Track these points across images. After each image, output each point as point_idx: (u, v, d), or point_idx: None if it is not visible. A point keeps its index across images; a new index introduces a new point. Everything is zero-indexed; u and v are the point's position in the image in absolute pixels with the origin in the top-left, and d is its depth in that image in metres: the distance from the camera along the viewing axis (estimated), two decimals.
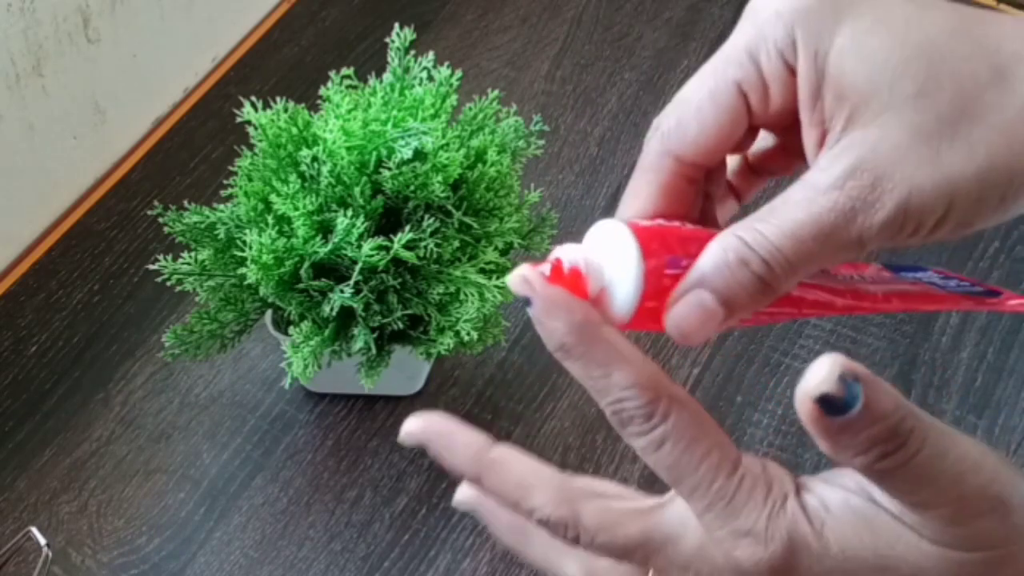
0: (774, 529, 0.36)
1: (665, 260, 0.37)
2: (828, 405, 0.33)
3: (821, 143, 0.37)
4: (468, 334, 0.70)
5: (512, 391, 0.82)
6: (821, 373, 0.33)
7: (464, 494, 0.42)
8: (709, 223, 0.42)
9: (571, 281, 0.37)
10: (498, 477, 0.39)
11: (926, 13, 0.37)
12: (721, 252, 0.36)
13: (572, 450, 0.79)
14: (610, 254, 0.37)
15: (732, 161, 0.44)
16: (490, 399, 0.81)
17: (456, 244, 0.71)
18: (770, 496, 0.36)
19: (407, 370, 0.80)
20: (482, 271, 0.72)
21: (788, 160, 0.42)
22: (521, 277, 0.36)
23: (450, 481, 0.77)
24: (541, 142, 0.77)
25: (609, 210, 0.92)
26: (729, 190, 0.44)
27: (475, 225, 0.71)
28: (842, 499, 0.37)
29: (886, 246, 0.37)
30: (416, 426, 0.39)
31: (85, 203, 0.95)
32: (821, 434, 0.33)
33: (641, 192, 0.40)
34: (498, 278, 0.71)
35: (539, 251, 0.77)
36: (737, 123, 0.39)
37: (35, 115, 0.90)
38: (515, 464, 0.39)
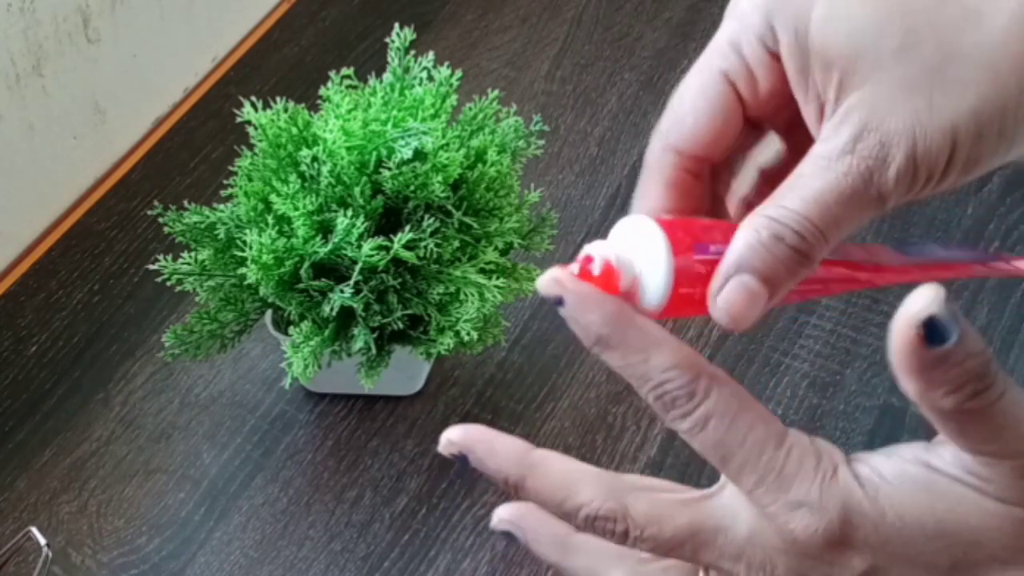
0: (827, 498, 0.36)
1: (693, 247, 0.38)
2: (932, 331, 0.33)
3: (821, 117, 0.38)
4: (468, 334, 0.70)
5: (512, 391, 0.82)
6: (927, 297, 0.33)
7: (503, 514, 0.42)
8: (723, 215, 0.43)
9: (602, 278, 0.38)
10: (543, 477, 0.39)
11: None
12: (753, 232, 0.37)
13: (572, 450, 0.79)
14: (638, 247, 0.38)
15: (749, 176, 0.44)
16: (490, 399, 0.81)
17: (456, 244, 0.71)
18: (820, 466, 0.36)
19: (407, 370, 0.80)
20: (482, 271, 0.72)
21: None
22: (551, 279, 0.37)
23: (450, 481, 0.77)
24: (541, 142, 0.77)
25: (609, 210, 0.92)
26: (749, 208, 0.44)
27: (475, 225, 0.71)
28: (897, 467, 0.37)
29: (905, 200, 0.38)
30: (456, 435, 0.40)
31: (85, 203, 0.95)
32: (916, 367, 0.33)
33: (649, 191, 0.41)
34: (498, 278, 0.71)
35: (539, 251, 0.77)
36: (730, 112, 0.40)
37: (35, 115, 0.90)
38: (559, 463, 0.39)
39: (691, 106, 0.40)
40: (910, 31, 0.36)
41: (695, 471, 0.76)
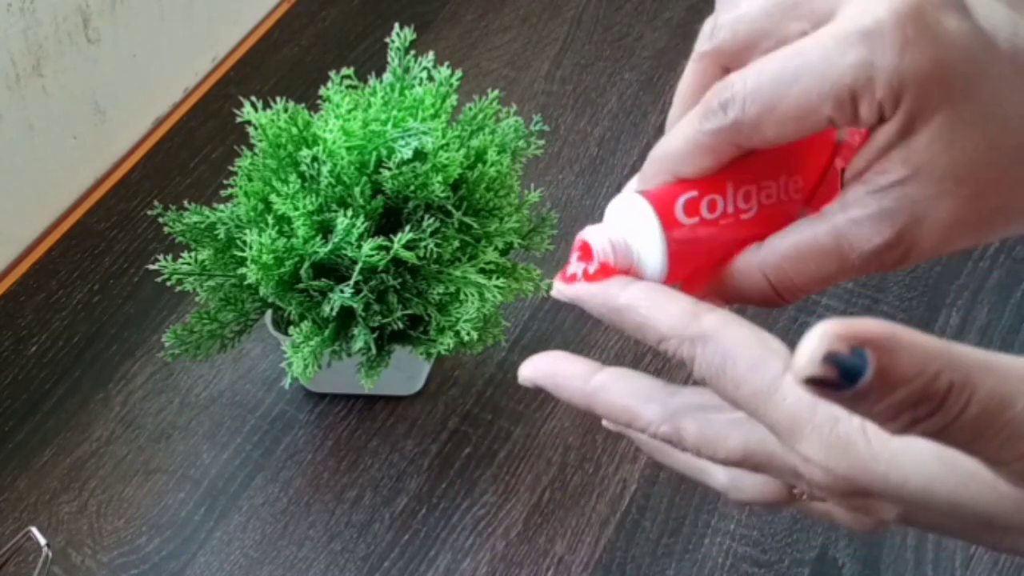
0: (828, 455, 0.35)
1: (674, 203, 0.39)
2: (822, 385, 0.30)
3: (867, 152, 0.38)
4: (468, 334, 0.70)
5: (512, 391, 0.82)
6: (805, 354, 0.30)
7: (525, 372, 0.42)
8: None
9: (602, 271, 0.39)
10: (605, 405, 0.40)
11: None
12: (752, 289, 0.39)
13: (572, 450, 0.79)
14: (632, 227, 0.39)
15: None
16: (490, 399, 0.81)
17: (456, 244, 0.71)
18: (815, 416, 0.35)
19: (407, 370, 0.80)
20: (482, 271, 0.72)
21: None
22: (556, 291, 0.40)
23: (450, 481, 0.77)
24: (541, 142, 0.77)
25: None
26: None
27: (475, 225, 0.71)
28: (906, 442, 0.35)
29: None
30: (528, 371, 0.41)
31: (85, 203, 0.95)
32: (841, 405, 0.31)
33: (691, 164, 0.40)
34: (498, 278, 0.71)
35: (539, 251, 0.77)
36: (811, 135, 0.39)
37: (35, 115, 0.90)
38: (617, 387, 0.40)
39: (778, 126, 0.38)
40: (991, 185, 0.37)
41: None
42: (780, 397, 0.35)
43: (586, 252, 0.39)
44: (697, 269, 0.40)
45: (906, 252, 0.37)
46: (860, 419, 0.35)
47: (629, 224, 0.39)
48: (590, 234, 0.39)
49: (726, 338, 0.36)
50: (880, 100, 0.36)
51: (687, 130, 0.39)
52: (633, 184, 0.41)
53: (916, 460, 0.35)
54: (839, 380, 0.29)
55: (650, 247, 0.38)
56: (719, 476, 0.44)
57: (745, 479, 0.43)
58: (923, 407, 0.30)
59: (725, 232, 0.39)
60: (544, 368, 0.41)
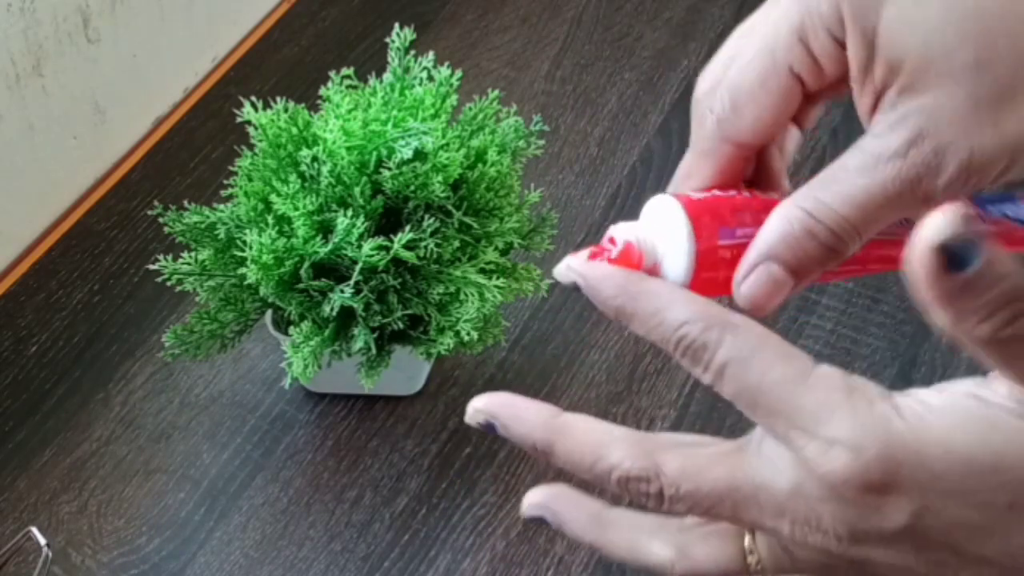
0: (862, 434, 0.34)
1: (718, 232, 0.38)
2: (951, 256, 0.30)
3: (874, 107, 0.37)
4: (468, 334, 0.70)
5: (512, 391, 0.81)
6: (941, 219, 0.30)
7: (532, 498, 0.41)
8: (766, 173, 0.42)
9: (621, 259, 0.38)
10: (572, 439, 0.38)
11: None
12: (786, 224, 0.37)
13: None
14: (662, 230, 0.38)
15: (794, 136, 0.44)
16: None
17: (456, 244, 0.71)
18: (851, 399, 0.34)
19: (407, 370, 0.80)
20: (482, 271, 0.72)
21: (841, 87, 0.41)
22: (565, 266, 0.38)
23: (450, 481, 0.77)
24: (541, 142, 0.77)
25: (609, 210, 0.92)
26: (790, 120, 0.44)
27: (475, 225, 0.71)
28: (946, 400, 0.35)
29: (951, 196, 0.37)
30: (482, 402, 0.40)
31: (85, 203, 0.95)
32: (941, 297, 0.31)
33: (695, 173, 0.40)
34: (498, 278, 0.71)
35: (539, 251, 0.77)
36: (792, 102, 0.39)
37: (35, 115, 0.90)
38: (587, 424, 0.38)
39: (750, 97, 0.39)
40: (989, 46, 0.35)
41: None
42: (813, 383, 0.35)
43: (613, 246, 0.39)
44: (716, 284, 0.38)
45: (936, 152, 0.36)
46: (892, 402, 0.35)
47: (660, 228, 0.38)
48: (619, 231, 0.39)
49: (756, 329, 0.36)
50: (824, 22, 0.37)
51: (688, 153, 0.40)
52: (683, 185, 0.41)
53: (961, 426, 0.34)
54: (965, 255, 0.30)
55: (677, 256, 0.38)
56: (662, 552, 0.40)
57: (696, 547, 0.40)
58: (1018, 304, 0.31)
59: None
60: (502, 401, 0.40)
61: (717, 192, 0.40)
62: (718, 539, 0.39)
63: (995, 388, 0.35)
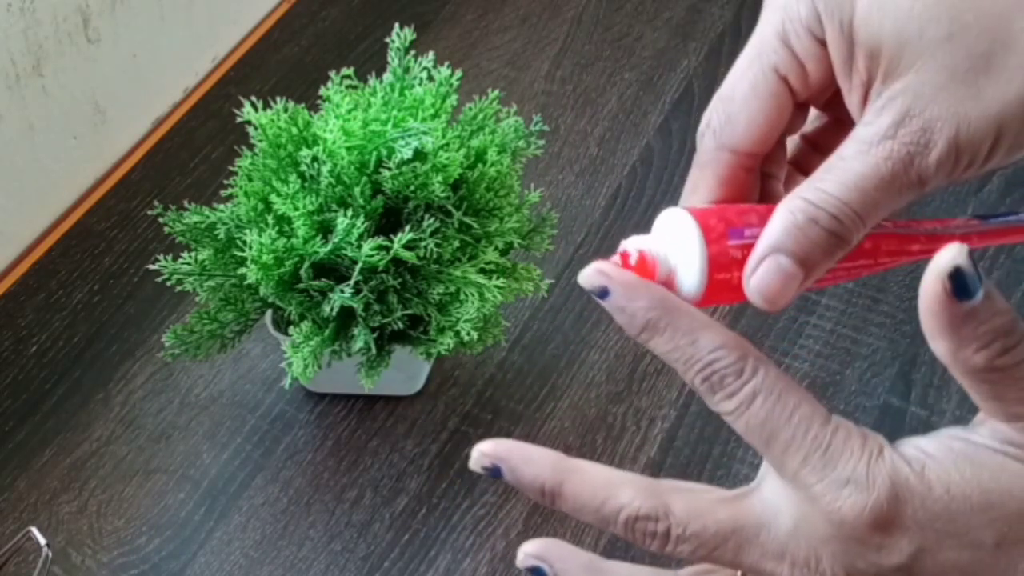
0: (875, 474, 0.36)
1: (727, 233, 0.38)
2: (959, 285, 0.33)
3: (864, 102, 0.39)
4: (468, 334, 0.70)
5: (512, 391, 0.82)
6: (952, 251, 0.33)
7: (528, 549, 0.41)
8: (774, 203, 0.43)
9: (639, 270, 0.39)
10: (580, 482, 0.39)
11: None
12: (789, 215, 0.38)
13: (572, 450, 0.79)
14: (673, 239, 0.39)
15: (792, 144, 0.45)
16: (490, 399, 0.81)
17: (456, 244, 0.71)
18: (866, 445, 0.36)
19: (407, 370, 0.80)
20: (482, 271, 0.72)
21: (843, 131, 0.42)
22: (595, 270, 0.37)
23: (450, 481, 0.77)
24: (541, 142, 0.77)
25: (609, 210, 0.92)
26: (796, 168, 0.45)
27: (475, 225, 0.71)
28: (940, 444, 0.37)
29: (946, 183, 0.38)
30: (488, 447, 0.40)
31: (85, 203, 0.95)
32: (946, 324, 0.34)
33: (700, 185, 0.41)
34: (498, 278, 0.71)
35: (539, 251, 0.77)
36: (783, 107, 0.40)
37: (35, 115, 0.90)
38: (595, 468, 0.39)
39: (743, 104, 0.40)
40: (957, 19, 0.37)
41: (695, 472, 0.76)
42: (833, 427, 0.36)
43: (625, 262, 0.39)
44: (730, 286, 0.39)
45: (925, 130, 0.37)
46: (898, 451, 0.37)
47: (671, 237, 0.39)
48: (631, 244, 0.39)
49: (779, 371, 0.37)
50: (803, 22, 0.38)
51: (692, 168, 0.41)
52: (689, 200, 0.42)
53: (955, 466, 0.36)
54: (969, 286, 0.33)
55: (690, 261, 0.38)
56: None
57: None
58: (1013, 336, 0.34)
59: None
60: (510, 445, 0.40)
61: (724, 206, 0.40)
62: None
63: (979, 431, 0.37)
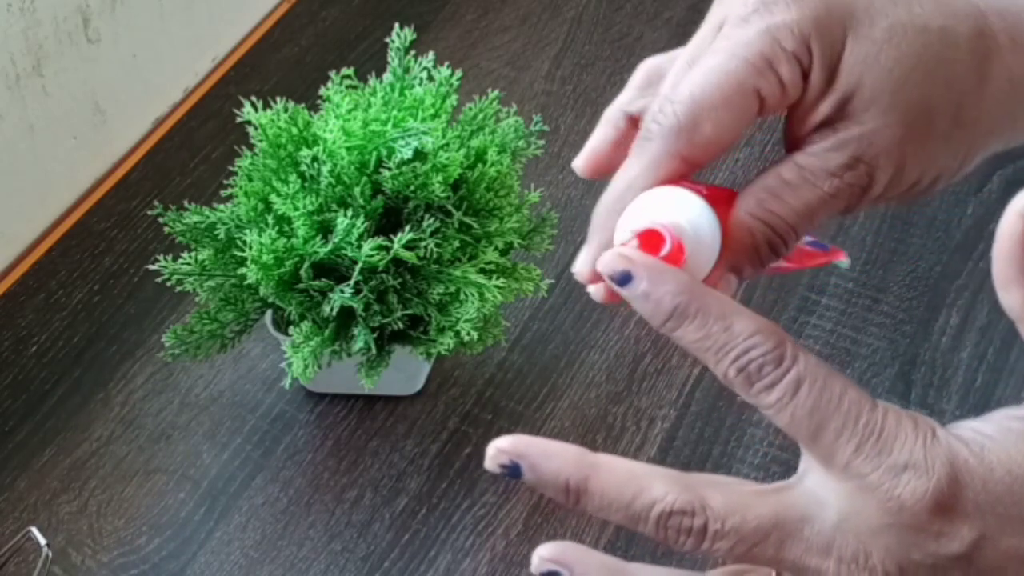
0: (933, 457, 0.34)
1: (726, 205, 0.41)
2: None
3: (811, 127, 0.41)
4: (468, 334, 0.70)
5: (512, 391, 0.82)
6: None
7: (544, 553, 0.38)
8: None
9: (671, 255, 0.38)
10: (608, 475, 0.36)
11: (929, 21, 0.40)
12: (749, 235, 0.40)
13: None
14: (684, 215, 0.39)
15: None
16: (490, 399, 0.81)
17: (456, 244, 0.71)
18: (919, 428, 0.35)
19: (407, 370, 0.80)
20: (482, 271, 0.72)
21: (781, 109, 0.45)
22: (617, 254, 0.36)
23: (450, 481, 0.77)
24: (541, 142, 0.77)
25: None
26: None
27: (475, 225, 0.71)
28: (998, 425, 0.35)
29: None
30: (505, 443, 0.37)
31: (85, 203, 0.95)
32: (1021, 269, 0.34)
33: (637, 184, 0.41)
34: (498, 278, 0.71)
35: (539, 251, 0.77)
36: (748, 122, 0.41)
37: (35, 115, 0.90)
38: (622, 461, 0.37)
39: (713, 117, 0.40)
40: (928, 93, 0.40)
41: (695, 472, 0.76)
42: (882, 411, 0.35)
43: (649, 240, 0.38)
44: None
45: (869, 173, 0.40)
46: (953, 432, 0.36)
47: (667, 208, 0.39)
48: (645, 222, 0.38)
49: (817, 357, 0.37)
50: (794, 52, 0.39)
51: (629, 163, 0.41)
52: (582, 252, 0.42)
53: (1016, 446, 0.35)
54: None
55: (707, 227, 0.39)
56: None
57: None
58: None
59: (722, 195, 0.41)
60: (529, 440, 0.37)
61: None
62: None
63: None
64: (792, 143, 0.41)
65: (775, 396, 0.35)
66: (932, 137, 0.40)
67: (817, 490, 0.36)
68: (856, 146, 0.40)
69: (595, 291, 0.42)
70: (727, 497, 0.36)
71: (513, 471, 0.36)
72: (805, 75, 0.40)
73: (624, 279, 0.36)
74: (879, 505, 0.34)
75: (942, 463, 0.34)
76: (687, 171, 0.41)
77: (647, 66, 0.47)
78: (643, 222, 0.38)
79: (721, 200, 0.40)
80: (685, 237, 0.38)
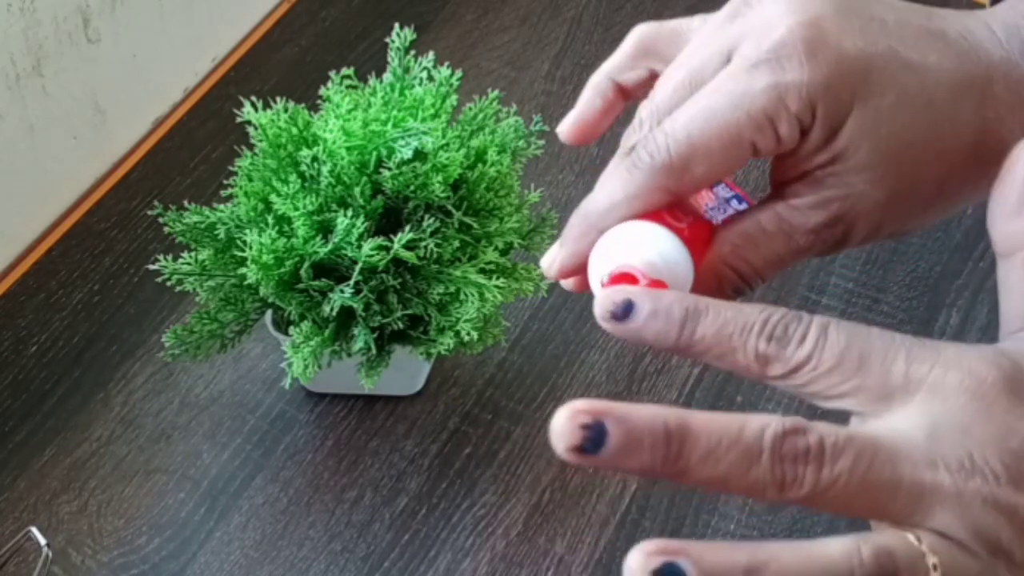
0: (983, 350, 0.35)
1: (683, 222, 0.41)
2: None
3: (794, 175, 0.42)
4: (468, 334, 0.70)
5: (512, 391, 0.82)
6: None
7: (649, 548, 0.31)
8: None
9: (655, 284, 0.40)
10: (704, 415, 0.33)
11: (935, 94, 0.41)
12: (719, 283, 0.42)
13: None
14: (658, 254, 0.40)
15: None
16: (490, 399, 0.81)
17: (456, 244, 0.71)
18: (956, 343, 0.36)
19: (407, 370, 0.80)
20: (482, 271, 0.72)
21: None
22: (613, 289, 0.37)
23: (450, 481, 0.77)
24: (541, 142, 0.77)
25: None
26: None
27: (475, 225, 0.71)
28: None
29: None
30: (584, 404, 0.32)
31: (85, 203, 0.95)
32: None
33: (619, 209, 0.42)
34: (498, 278, 0.71)
35: (539, 251, 0.77)
36: (741, 166, 0.41)
37: (35, 115, 0.90)
38: (707, 412, 0.34)
39: (706, 157, 0.41)
40: (919, 168, 0.41)
41: None
42: (911, 339, 0.36)
43: (624, 281, 0.40)
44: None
45: (846, 232, 0.42)
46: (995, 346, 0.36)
47: (640, 247, 0.40)
48: (618, 264, 0.40)
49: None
50: (797, 114, 0.40)
51: (614, 184, 0.42)
52: (554, 251, 0.43)
53: None
54: None
55: (676, 256, 0.40)
56: (839, 544, 0.32)
57: (874, 536, 0.33)
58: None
59: (701, 233, 0.42)
60: (608, 402, 0.33)
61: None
62: (891, 533, 0.33)
63: None
64: (777, 180, 0.43)
65: (810, 344, 0.34)
66: (914, 202, 0.42)
67: (890, 425, 0.33)
68: (839, 207, 0.41)
69: (568, 282, 0.44)
70: (829, 425, 0.33)
71: (596, 434, 0.32)
72: (804, 132, 0.41)
73: (627, 308, 0.36)
74: (955, 394, 0.33)
75: (994, 352, 0.35)
76: (671, 203, 0.42)
77: (639, 33, 0.48)
78: (618, 262, 0.40)
79: (698, 239, 0.41)
80: (660, 276, 0.40)
